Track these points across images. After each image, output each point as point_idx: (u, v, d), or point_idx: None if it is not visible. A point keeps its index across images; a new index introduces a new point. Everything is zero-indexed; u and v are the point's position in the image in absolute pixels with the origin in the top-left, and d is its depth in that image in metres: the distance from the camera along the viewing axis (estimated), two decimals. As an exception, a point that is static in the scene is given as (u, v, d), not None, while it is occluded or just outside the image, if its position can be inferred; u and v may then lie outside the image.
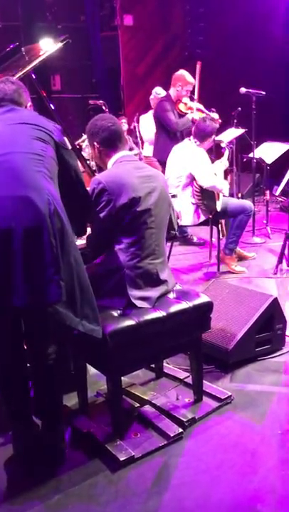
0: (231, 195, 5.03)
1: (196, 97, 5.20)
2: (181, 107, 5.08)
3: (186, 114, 5.05)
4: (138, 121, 6.14)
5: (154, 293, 2.33)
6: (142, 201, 2.27)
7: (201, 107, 5.13)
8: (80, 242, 2.44)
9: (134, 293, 2.27)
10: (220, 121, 4.77)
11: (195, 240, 5.17)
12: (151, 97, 5.89)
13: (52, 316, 1.86)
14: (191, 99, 5.15)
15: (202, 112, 5.07)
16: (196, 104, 5.09)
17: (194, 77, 5.12)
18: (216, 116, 4.94)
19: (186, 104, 5.06)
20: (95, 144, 2.41)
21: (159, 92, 5.69)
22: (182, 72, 5.10)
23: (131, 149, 7.03)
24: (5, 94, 2.11)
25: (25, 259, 1.76)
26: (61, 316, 1.85)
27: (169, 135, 5.03)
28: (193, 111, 5.01)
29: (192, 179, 4.07)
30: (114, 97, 7.86)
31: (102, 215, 2.25)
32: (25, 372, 2.12)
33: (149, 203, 2.30)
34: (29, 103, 2.21)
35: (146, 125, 5.95)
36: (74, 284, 1.89)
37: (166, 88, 5.34)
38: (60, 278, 1.80)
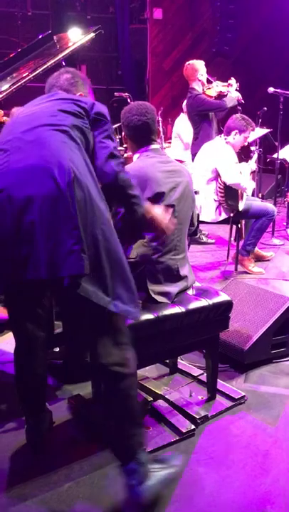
0: (252, 195, 4.99)
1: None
2: (209, 92, 5.03)
3: (216, 96, 5.01)
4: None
5: (173, 288, 2.32)
6: (166, 196, 2.26)
7: (220, 83, 5.09)
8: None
9: (154, 288, 2.27)
10: (237, 84, 4.89)
11: (204, 239, 5.12)
12: None
13: (77, 292, 1.70)
14: (209, 81, 5.10)
15: (224, 86, 5.04)
16: (216, 83, 5.05)
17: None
18: (233, 82, 4.95)
19: (210, 88, 5.03)
20: (124, 134, 2.43)
21: None
22: (192, 63, 5.06)
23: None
24: (57, 81, 2.11)
25: (43, 229, 1.68)
26: (88, 293, 1.71)
27: (210, 132, 4.95)
28: (223, 89, 4.99)
29: (217, 175, 4.05)
30: (139, 90, 7.85)
31: None
32: (43, 363, 2.11)
33: (172, 198, 2.29)
34: (80, 92, 2.13)
35: (183, 128, 5.78)
36: (101, 259, 1.74)
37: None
38: (81, 249, 1.67)
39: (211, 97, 5.01)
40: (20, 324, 2.03)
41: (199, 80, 5.01)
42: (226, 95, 4.96)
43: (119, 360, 1.80)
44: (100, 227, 1.76)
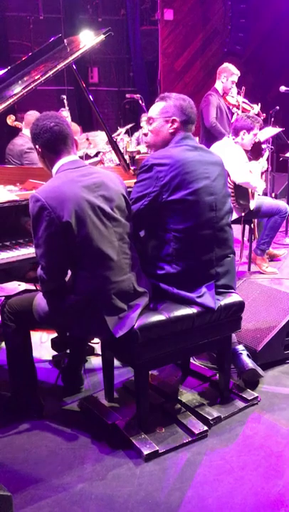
0: (265, 194, 4.95)
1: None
2: (229, 98, 5.04)
3: (234, 105, 4.99)
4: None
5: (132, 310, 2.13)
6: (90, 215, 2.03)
7: (246, 101, 5.08)
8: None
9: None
10: (264, 115, 4.79)
11: None
12: None
13: None
14: (238, 92, 5.09)
15: (246, 104, 5.02)
16: (241, 98, 5.04)
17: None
18: (256, 109, 4.88)
19: (233, 96, 5.02)
20: (37, 147, 2.15)
21: None
22: (226, 64, 5.08)
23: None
24: None
25: None
26: None
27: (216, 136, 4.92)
28: (239, 107, 4.95)
29: (226, 175, 4.02)
30: (150, 92, 7.85)
31: (46, 236, 1.99)
32: None
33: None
34: None
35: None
36: None
37: (210, 85, 5.25)
38: None
39: (230, 103, 5.01)
40: None
41: (222, 82, 5.00)
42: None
43: None
44: None
